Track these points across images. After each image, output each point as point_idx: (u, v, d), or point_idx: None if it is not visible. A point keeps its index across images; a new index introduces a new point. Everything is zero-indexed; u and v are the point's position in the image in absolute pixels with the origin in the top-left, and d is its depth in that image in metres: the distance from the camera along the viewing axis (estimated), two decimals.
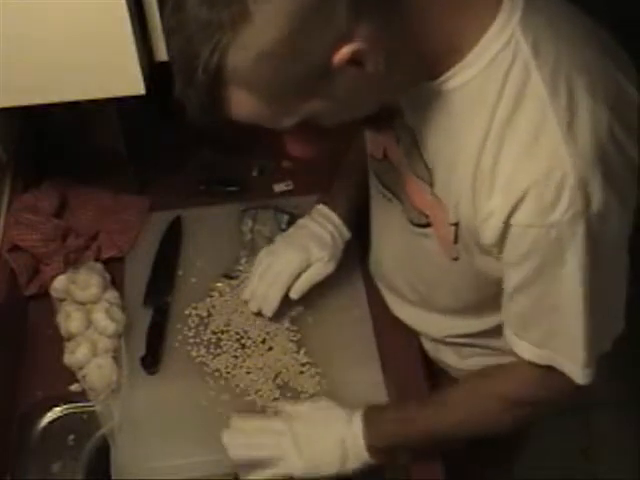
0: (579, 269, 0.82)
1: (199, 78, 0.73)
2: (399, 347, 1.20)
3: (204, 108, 0.77)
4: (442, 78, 0.83)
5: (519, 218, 0.81)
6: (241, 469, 1.05)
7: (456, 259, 0.96)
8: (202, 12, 0.71)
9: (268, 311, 1.18)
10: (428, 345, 1.21)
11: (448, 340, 1.16)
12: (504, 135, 0.80)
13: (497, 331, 1.08)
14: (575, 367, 0.90)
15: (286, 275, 1.16)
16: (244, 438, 1.05)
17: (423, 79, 0.84)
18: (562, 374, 0.91)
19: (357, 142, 1.17)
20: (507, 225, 0.82)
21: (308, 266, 1.17)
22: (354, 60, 0.74)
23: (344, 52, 0.73)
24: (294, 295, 1.18)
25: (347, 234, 1.22)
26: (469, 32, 0.80)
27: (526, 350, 0.92)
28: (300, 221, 1.23)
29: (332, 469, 1.02)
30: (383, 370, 1.17)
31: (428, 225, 0.97)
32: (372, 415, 1.03)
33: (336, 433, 1.03)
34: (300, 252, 1.17)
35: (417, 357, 1.20)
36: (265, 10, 0.69)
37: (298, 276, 1.17)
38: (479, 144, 0.82)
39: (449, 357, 1.19)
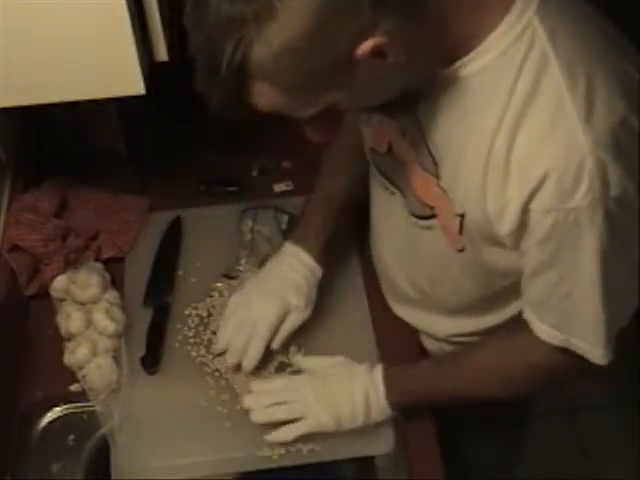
0: (596, 254, 0.82)
1: (223, 73, 0.74)
2: (399, 348, 1.20)
3: (227, 101, 0.78)
4: (458, 64, 0.83)
5: (538, 203, 0.81)
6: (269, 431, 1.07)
7: (461, 250, 0.96)
8: (224, 7, 0.71)
9: (249, 365, 1.13)
10: (428, 342, 1.21)
11: (451, 340, 1.16)
12: (519, 122, 0.80)
13: (497, 330, 1.08)
14: (592, 348, 0.90)
15: (264, 327, 1.12)
16: (266, 400, 1.08)
17: (441, 67, 0.84)
18: (577, 355, 0.91)
19: (327, 165, 1.19)
20: (526, 211, 0.82)
21: (286, 314, 1.14)
22: (377, 52, 0.74)
23: (367, 45, 0.73)
24: (275, 346, 1.15)
25: (320, 273, 1.18)
26: (486, 20, 0.81)
27: (542, 331, 0.92)
28: (270, 265, 1.19)
29: (357, 421, 1.05)
30: None
31: (432, 217, 0.97)
32: (392, 371, 1.06)
33: (359, 386, 1.05)
34: (276, 302, 1.13)
35: (417, 358, 1.20)
36: (290, 6, 0.70)
37: (276, 326, 1.13)
38: (492, 131, 0.82)
39: None
